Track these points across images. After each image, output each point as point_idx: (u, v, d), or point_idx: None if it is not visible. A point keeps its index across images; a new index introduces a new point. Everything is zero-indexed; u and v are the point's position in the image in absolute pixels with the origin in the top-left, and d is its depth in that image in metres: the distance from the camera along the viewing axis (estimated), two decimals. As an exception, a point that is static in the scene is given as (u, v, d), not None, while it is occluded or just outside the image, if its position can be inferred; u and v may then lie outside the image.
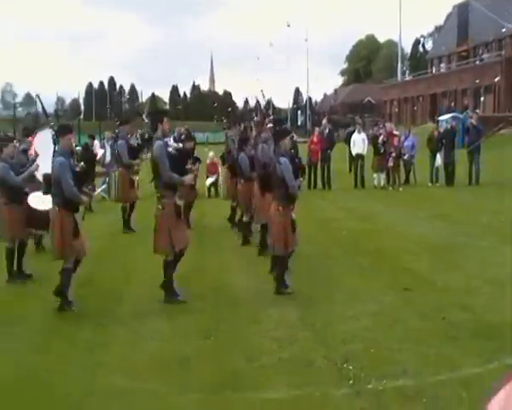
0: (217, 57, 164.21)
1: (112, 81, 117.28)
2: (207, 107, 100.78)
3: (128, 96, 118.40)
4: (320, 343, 5.75)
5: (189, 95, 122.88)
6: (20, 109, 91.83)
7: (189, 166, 8.70)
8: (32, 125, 28.72)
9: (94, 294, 7.31)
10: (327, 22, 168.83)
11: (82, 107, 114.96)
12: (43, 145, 9.16)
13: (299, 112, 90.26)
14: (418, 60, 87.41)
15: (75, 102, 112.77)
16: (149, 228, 7.46)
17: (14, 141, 9.05)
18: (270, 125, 10.37)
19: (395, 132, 19.61)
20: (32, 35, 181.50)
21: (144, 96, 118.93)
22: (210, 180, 18.22)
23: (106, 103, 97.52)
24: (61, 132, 7.27)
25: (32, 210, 8.41)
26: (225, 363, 5.35)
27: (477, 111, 45.99)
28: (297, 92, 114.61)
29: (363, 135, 20.36)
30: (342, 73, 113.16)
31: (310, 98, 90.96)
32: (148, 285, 7.84)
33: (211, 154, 18.85)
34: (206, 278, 8.06)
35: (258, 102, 12.17)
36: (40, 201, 8.22)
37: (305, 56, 72.27)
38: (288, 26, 77.03)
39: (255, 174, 9.94)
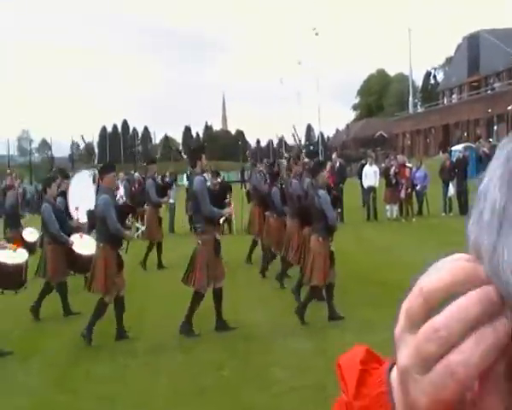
0: (229, 97, 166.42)
1: (125, 124, 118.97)
2: (220, 146, 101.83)
3: (139, 140, 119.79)
4: (333, 371, 5.78)
5: (201, 135, 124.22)
6: (36, 155, 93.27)
7: (227, 200, 8.94)
8: (47, 169, 29.20)
9: (111, 328, 7.42)
10: (337, 57, 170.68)
11: (96, 150, 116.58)
12: (78, 186, 9.44)
13: (311, 148, 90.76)
14: (429, 92, 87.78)
15: (89, 145, 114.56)
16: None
17: (57, 181, 9.31)
18: (305, 159, 10.61)
19: (407, 164, 19.72)
20: (48, 80, 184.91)
21: (157, 138, 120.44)
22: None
23: (119, 146, 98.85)
24: (104, 171, 7.60)
25: (73, 253, 8.54)
26: (240, 394, 5.42)
27: (490, 140, 46.04)
28: (309, 129, 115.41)
29: (375, 167, 20.46)
30: (354, 107, 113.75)
31: (322, 134, 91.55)
32: (163, 320, 7.94)
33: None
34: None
35: (294, 136, 12.52)
36: (83, 244, 8.48)
37: (317, 92, 72.84)
38: (299, 63, 78.06)
39: (287, 209, 10.09)
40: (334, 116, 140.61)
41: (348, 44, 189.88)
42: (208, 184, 7.86)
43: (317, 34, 69.04)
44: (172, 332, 7.31)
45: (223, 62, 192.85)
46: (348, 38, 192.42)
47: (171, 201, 18.18)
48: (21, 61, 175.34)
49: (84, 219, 9.18)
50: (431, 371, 0.44)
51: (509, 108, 53.05)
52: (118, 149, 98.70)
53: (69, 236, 8.71)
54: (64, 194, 9.80)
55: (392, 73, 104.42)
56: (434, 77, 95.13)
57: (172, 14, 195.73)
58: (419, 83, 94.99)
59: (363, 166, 21.54)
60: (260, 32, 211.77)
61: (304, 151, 12.01)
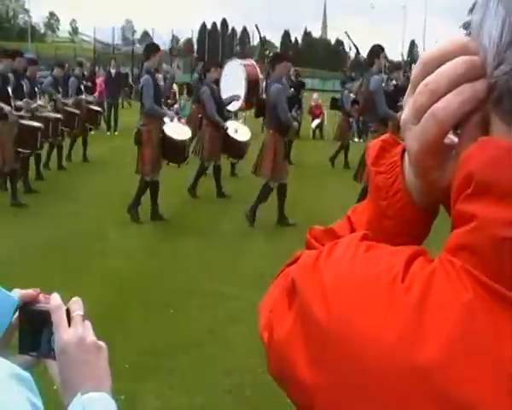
0: (330, 4, 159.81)
1: (224, 23, 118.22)
2: (318, 54, 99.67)
3: (238, 40, 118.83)
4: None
5: (300, 41, 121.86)
6: (138, 45, 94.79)
7: (399, 104, 9.01)
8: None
9: (200, 209, 7.86)
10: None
11: (195, 46, 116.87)
12: (230, 75, 9.73)
13: (413, 65, 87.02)
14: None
15: (189, 40, 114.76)
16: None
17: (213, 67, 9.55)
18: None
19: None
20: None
21: (256, 39, 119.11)
22: (315, 122, 18.38)
23: (218, 44, 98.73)
24: (276, 60, 7.76)
25: (229, 138, 8.95)
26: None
27: None
28: (412, 45, 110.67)
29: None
30: (465, 26, 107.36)
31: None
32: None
33: (315, 96, 19.00)
34: (303, 208, 8.42)
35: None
36: (239, 131, 8.95)
37: (424, 6, 69.14)
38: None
39: None
40: (442, 34, 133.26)
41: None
42: (383, 85, 7.90)
43: None
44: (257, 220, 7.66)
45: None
46: None
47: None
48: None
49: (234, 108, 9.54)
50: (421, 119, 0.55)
51: None
52: (216, 47, 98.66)
53: (225, 121, 9.05)
54: (217, 82, 9.87)
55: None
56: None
57: None
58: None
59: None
60: None
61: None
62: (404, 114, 0.57)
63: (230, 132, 8.95)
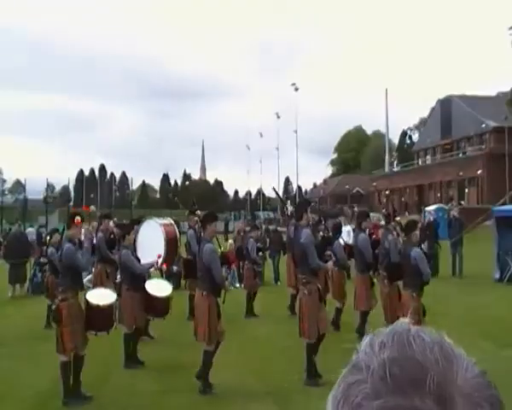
0: (208, 147, 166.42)
1: (102, 169, 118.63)
2: (198, 196, 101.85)
3: (117, 186, 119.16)
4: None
5: (179, 183, 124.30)
6: (8, 196, 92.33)
7: (328, 253, 9.08)
8: (20, 211, 29.07)
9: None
10: (316, 113, 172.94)
11: (72, 194, 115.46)
12: (146, 234, 9.51)
13: (288, 202, 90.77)
14: (405, 151, 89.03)
15: (65, 188, 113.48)
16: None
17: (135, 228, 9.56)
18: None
19: (381, 224, 19.83)
20: (24, 127, 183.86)
21: (135, 185, 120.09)
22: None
23: (96, 191, 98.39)
24: (208, 220, 7.67)
25: (150, 297, 8.76)
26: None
27: (462, 203, 46.73)
28: (287, 182, 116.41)
29: (349, 227, 20.50)
30: (332, 163, 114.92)
31: (300, 188, 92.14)
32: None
33: (230, 241, 19.29)
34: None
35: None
36: (159, 288, 8.91)
37: (295, 147, 73.64)
38: (278, 117, 79.05)
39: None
40: (313, 170, 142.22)
41: (327, 101, 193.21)
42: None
43: (296, 90, 69.94)
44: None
45: (203, 113, 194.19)
46: (327, 94, 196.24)
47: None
48: None
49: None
50: None
51: (479, 172, 54.20)
52: (94, 194, 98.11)
53: (144, 282, 8.91)
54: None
55: (369, 130, 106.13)
56: (410, 137, 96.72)
57: (162, 59, 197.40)
58: (396, 141, 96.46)
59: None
60: (240, 86, 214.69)
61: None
62: None
63: (152, 291, 8.80)
